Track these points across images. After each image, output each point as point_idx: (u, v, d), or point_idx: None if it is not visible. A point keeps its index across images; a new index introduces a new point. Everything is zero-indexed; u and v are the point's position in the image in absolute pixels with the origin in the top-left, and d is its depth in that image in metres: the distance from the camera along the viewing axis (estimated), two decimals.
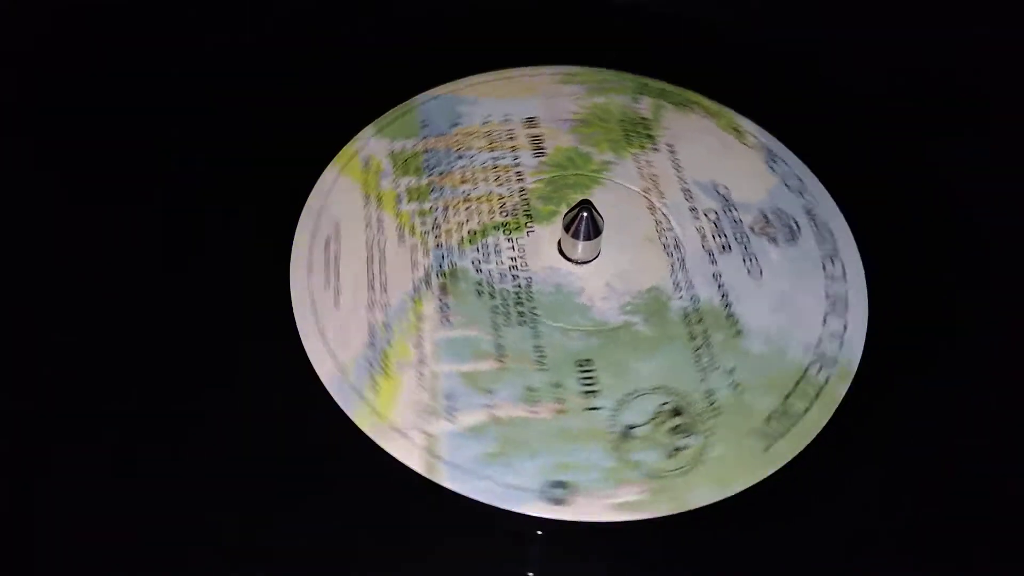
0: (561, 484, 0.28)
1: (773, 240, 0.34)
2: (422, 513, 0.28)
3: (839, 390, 0.31)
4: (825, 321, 0.32)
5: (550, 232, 0.34)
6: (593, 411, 0.30)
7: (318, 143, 0.37)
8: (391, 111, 0.38)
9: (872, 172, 0.37)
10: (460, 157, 0.36)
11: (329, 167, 0.36)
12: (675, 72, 0.40)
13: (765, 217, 0.35)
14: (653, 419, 0.30)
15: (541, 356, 0.31)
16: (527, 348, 0.31)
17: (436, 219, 0.34)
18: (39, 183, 0.36)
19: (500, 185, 0.36)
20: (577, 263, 0.33)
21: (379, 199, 0.35)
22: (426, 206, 0.35)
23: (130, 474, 0.29)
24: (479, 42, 0.41)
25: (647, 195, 0.35)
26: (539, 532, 0.28)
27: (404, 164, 0.36)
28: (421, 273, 0.33)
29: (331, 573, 0.27)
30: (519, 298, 0.32)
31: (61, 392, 0.30)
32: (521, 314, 0.32)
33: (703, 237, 0.34)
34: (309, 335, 0.31)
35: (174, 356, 0.31)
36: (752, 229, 0.34)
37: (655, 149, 0.37)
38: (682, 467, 0.29)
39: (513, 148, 0.37)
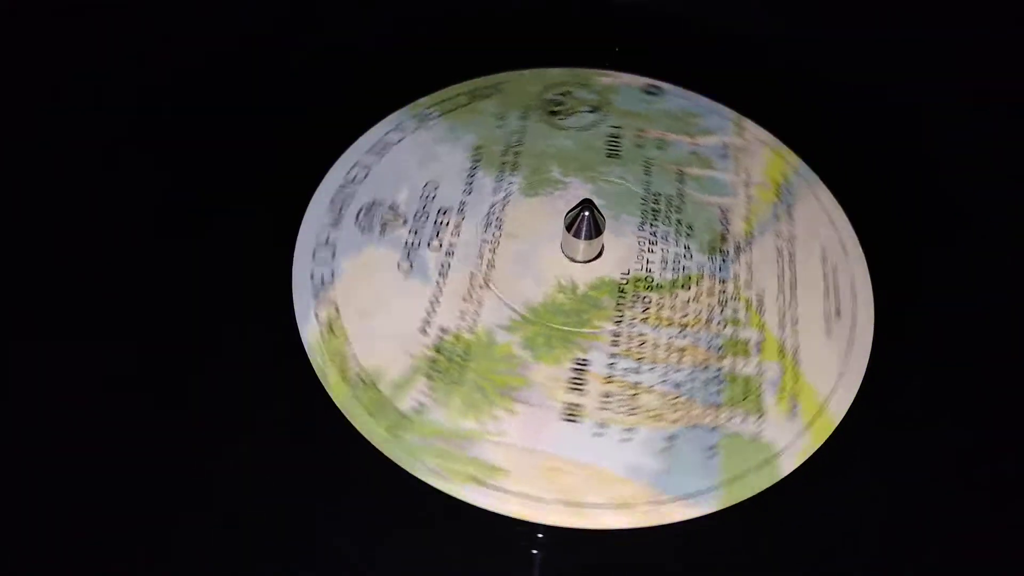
0: None
1: None
2: (421, 510, 0.28)
3: None
4: None
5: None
6: None
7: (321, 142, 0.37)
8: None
9: (873, 171, 0.37)
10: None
11: None
12: (676, 72, 0.40)
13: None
14: None
15: None
16: None
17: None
18: (42, 179, 0.36)
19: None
20: (579, 262, 0.33)
21: None
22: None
23: (128, 470, 0.29)
24: (478, 43, 0.41)
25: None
26: (539, 535, 0.28)
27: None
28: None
29: (335, 571, 0.27)
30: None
31: (59, 389, 0.30)
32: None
33: None
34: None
35: (174, 352, 0.31)
36: None
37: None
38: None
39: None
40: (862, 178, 0.37)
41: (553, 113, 0.38)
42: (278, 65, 0.40)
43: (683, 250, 0.34)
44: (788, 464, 0.29)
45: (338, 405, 0.30)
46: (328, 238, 0.34)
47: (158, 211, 0.35)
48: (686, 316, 0.32)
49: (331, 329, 0.31)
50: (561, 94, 0.39)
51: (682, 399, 0.30)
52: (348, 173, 0.36)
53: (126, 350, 0.31)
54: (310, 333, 0.31)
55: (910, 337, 0.32)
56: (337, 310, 0.32)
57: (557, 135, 0.37)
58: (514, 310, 0.32)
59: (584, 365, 0.31)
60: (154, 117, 0.38)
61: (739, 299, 0.33)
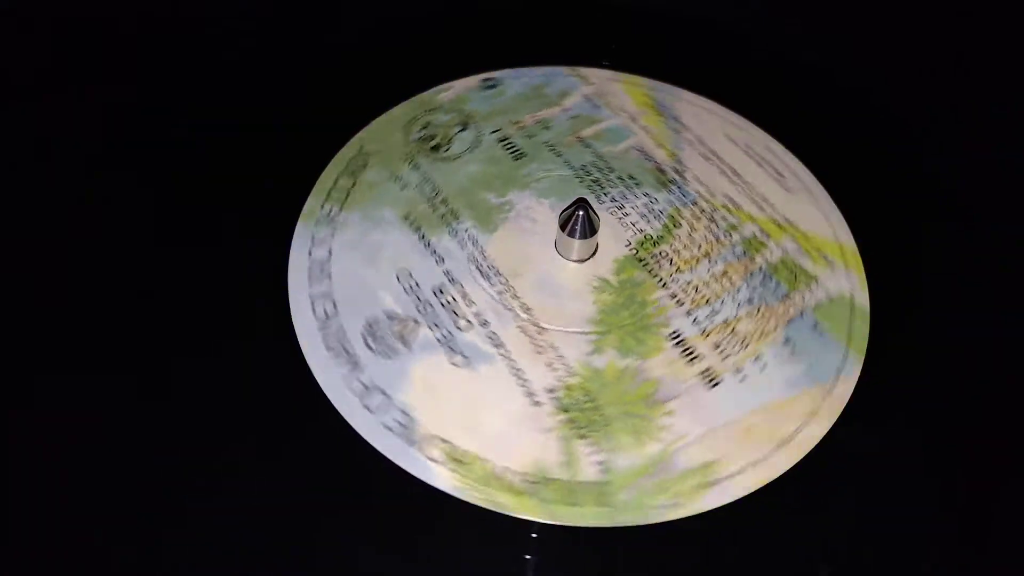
0: None
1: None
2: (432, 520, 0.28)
3: None
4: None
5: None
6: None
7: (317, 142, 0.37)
8: None
9: (872, 173, 0.37)
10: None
11: None
12: (672, 72, 0.40)
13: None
14: None
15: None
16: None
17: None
18: (36, 178, 0.36)
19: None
20: (575, 262, 0.33)
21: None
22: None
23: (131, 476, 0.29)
24: (476, 42, 0.41)
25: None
26: (533, 535, 0.28)
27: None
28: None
29: None
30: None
31: (54, 384, 0.30)
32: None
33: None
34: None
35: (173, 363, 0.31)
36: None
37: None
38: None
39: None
40: (861, 178, 0.37)
41: (435, 149, 0.37)
42: (269, 68, 0.40)
43: (645, 198, 0.35)
44: (861, 298, 0.33)
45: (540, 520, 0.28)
46: (363, 380, 0.30)
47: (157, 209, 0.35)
48: (700, 246, 0.34)
49: (457, 460, 0.29)
50: (423, 127, 0.37)
51: (763, 308, 0.32)
52: (316, 312, 0.32)
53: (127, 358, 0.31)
54: (438, 475, 0.29)
55: (906, 331, 0.33)
56: (445, 442, 0.29)
57: (459, 166, 0.36)
58: (585, 333, 0.32)
59: (678, 336, 0.32)
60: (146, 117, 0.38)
61: (716, 208, 0.35)
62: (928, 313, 0.33)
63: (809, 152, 0.37)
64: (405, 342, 0.31)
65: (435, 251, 0.34)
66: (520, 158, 0.36)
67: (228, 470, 0.29)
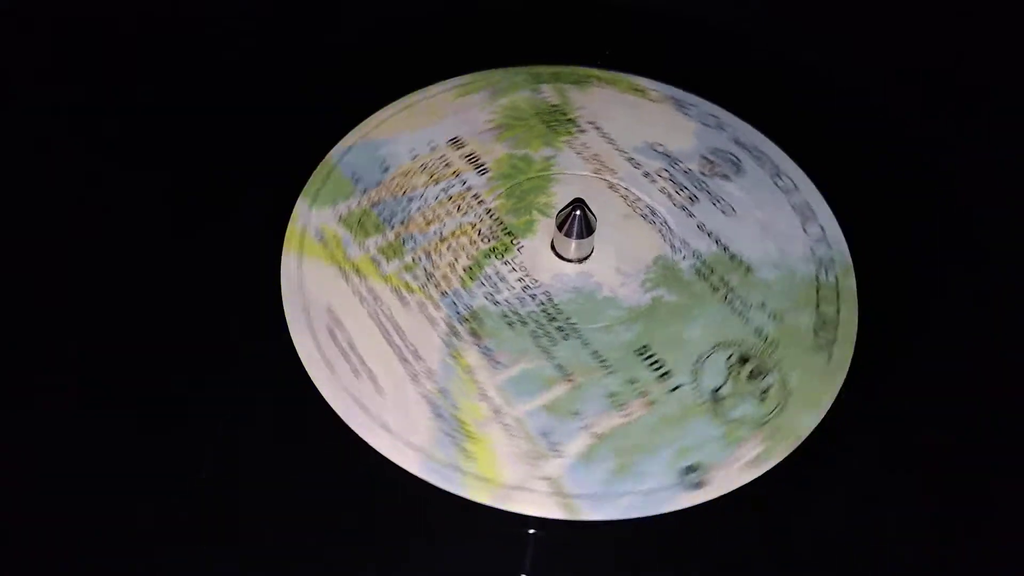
0: (691, 468, 0.29)
1: (725, 176, 0.36)
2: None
3: (850, 284, 0.33)
4: (805, 230, 0.34)
5: (539, 241, 0.34)
6: (676, 391, 0.30)
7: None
8: (313, 176, 0.35)
9: (871, 174, 0.37)
10: (411, 199, 0.35)
11: (286, 254, 0.33)
12: (672, 72, 0.40)
13: (707, 159, 0.36)
14: (729, 374, 0.31)
15: (602, 360, 0.31)
16: (586, 358, 0.31)
17: (425, 269, 0.33)
18: (36, 178, 0.36)
19: (465, 214, 0.35)
20: (574, 261, 0.33)
21: (357, 270, 0.33)
22: (408, 259, 0.33)
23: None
24: (476, 42, 0.41)
25: (601, 176, 0.36)
26: (551, 534, 0.28)
27: (360, 226, 0.34)
28: (443, 327, 0.32)
29: None
30: (549, 314, 0.32)
31: (54, 383, 0.30)
32: (560, 329, 0.32)
33: (669, 196, 0.35)
34: (371, 432, 0.29)
35: None
36: (703, 173, 0.36)
37: (581, 131, 0.37)
38: (778, 405, 0.30)
39: (456, 173, 0.36)
40: (848, 172, 0.37)
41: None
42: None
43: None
44: None
45: None
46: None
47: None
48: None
49: None
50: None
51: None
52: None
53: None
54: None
55: (903, 333, 0.32)
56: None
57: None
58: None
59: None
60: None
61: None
62: (926, 315, 0.33)
63: (807, 153, 0.37)
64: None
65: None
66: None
67: (226, 468, 0.29)
